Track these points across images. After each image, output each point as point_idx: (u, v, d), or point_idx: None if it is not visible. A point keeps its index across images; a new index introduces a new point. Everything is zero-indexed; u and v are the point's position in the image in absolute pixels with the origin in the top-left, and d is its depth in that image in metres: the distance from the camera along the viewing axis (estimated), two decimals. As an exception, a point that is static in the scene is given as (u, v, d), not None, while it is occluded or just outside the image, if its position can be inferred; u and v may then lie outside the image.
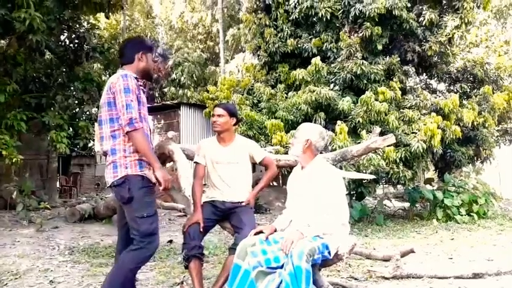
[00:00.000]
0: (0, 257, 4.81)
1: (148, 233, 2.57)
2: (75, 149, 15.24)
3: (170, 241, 6.04)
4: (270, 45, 9.91)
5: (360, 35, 8.74)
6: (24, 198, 8.47)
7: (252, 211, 3.28)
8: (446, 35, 9.29)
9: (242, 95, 10.09)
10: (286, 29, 9.81)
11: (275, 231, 2.88)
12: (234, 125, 3.38)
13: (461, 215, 8.54)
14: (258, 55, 10.71)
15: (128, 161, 2.60)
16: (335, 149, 6.35)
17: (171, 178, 2.59)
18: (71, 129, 8.51)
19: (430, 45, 9.11)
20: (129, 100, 2.55)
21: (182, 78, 23.11)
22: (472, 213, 8.69)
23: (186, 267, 3.10)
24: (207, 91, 11.52)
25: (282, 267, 2.59)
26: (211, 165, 3.34)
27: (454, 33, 9.29)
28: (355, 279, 4.01)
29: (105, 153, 2.70)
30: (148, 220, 2.57)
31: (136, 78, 2.73)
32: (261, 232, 2.85)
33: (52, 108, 7.82)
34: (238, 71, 20.30)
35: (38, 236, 6.16)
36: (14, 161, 6.70)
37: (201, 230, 3.11)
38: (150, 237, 2.58)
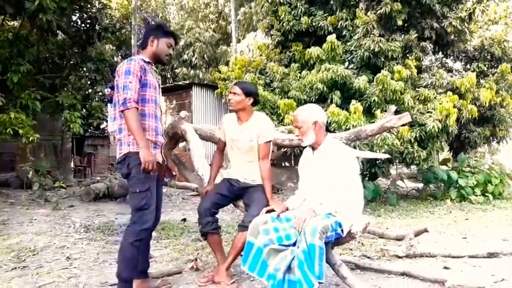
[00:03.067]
0: (18, 234, 4.93)
1: (139, 207, 2.69)
2: (89, 130, 15.40)
3: (184, 219, 6.11)
4: (283, 24, 9.74)
5: (379, 11, 8.52)
6: (40, 177, 8.63)
7: (263, 190, 3.19)
8: (466, 10, 9.00)
9: (254, 74, 9.99)
10: (300, 7, 9.62)
11: (287, 209, 2.87)
12: (253, 105, 3.24)
13: (476, 195, 8.45)
14: (271, 34, 10.54)
15: (131, 139, 2.70)
16: (349, 129, 6.27)
17: (154, 160, 2.63)
18: (84, 109, 8.56)
19: (450, 21, 8.84)
20: (127, 82, 2.64)
21: (193, 59, 23.01)
22: (487, 194, 8.59)
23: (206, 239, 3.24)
24: (219, 71, 11.43)
25: (293, 244, 2.59)
26: (229, 142, 3.33)
27: (475, 8, 8.99)
28: (368, 257, 4.00)
29: (113, 133, 2.84)
30: (140, 195, 2.68)
31: (149, 62, 2.85)
32: (272, 210, 2.85)
33: (65, 89, 7.87)
34: (250, 51, 20.11)
35: (54, 215, 6.28)
36: (30, 140, 6.78)
37: (211, 203, 3.15)
38: (140, 212, 2.69)
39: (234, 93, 3.20)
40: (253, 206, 3.03)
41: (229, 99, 3.25)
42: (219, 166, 3.47)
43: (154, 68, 2.95)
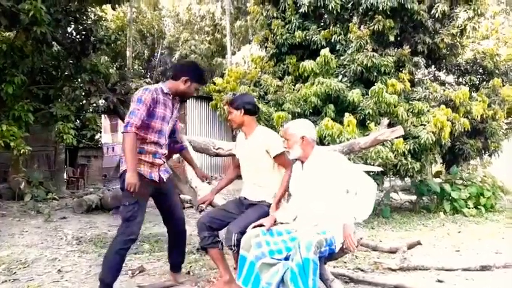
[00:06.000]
0: (9, 246, 4.87)
1: (125, 218, 2.95)
2: (82, 141, 15.34)
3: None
4: (277, 37, 9.82)
5: (371, 27, 8.63)
6: (32, 189, 8.56)
7: (263, 210, 3.05)
8: (458, 27, 9.15)
9: (249, 86, 10.04)
10: (294, 21, 9.71)
11: (275, 221, 2.87)
12: (247, 115, 3.16)
13: (469, 208, 8.49)
14: (266, 47, 10.62)
15: None
16: (343, 142, 6.30)
17: (134, 183, 2.80)
18: (77, 121, 8.54)
19: (442, 38, 8.99)
20: (136, 109, 2.89)
21: (189, 71, 23.05)
22: (479, 206, 8.63)
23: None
24: (214, 83, 11.47)
25: (285, 259, 2.59)
26: (240, 159, 3.32)
27: (466, 24, 9.14)
28: (362, 270, 4.00)
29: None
30: (127, 208, 2.93)
31: (167, 93, 3.09)
32: (261, 225, 2.82)
33: (59, 100, 7.85)
34: (245, 63, 20.22)
35: (46, 226, 6.22)
36: (22, 152, 6.74)
37: (209, 218, 3.13)
38: (126, 223, 2.94)
39: (230, 113, 3.21)
40: (239, 219, 2.99)
41: (228, 120, 3.28)
42: (229, 180, 3.45)
43: (168, 98, 3.11)
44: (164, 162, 3.18)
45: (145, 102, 2.91)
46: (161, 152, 3.10)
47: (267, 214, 2.97)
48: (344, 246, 2.70)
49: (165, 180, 3.15)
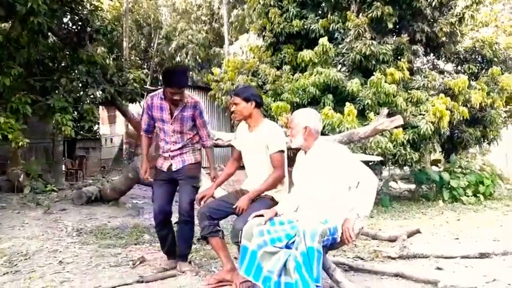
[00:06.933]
0: (10, 238, 4.87)
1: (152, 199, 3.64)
2: (81, 132, 15.31)
3: (176, 222, 6.07)
4: (275, 26, 9.76)
5: (370, 15, 8.57)
6: (31, 181, 8.53)
7: (266, 203, 3.02)
8: (456, 15, 9.10)
9: (247, 76, 10.00)
10: (292, 10, 9.64)
11: (276, 215, 2.87)
12: (257, 107, 3.16)
13: (468, 196, 8.53)
14: (263, 36, 10.57)
15: None
16: (343, 131, 6.30)
17: (143, 172, 3.68)
18: (75, 112, 8.49)
19: (441, 27, 8.94)
20: (141, 116, 3.70)
21: (186, 61, 22.96)
22: (478, 195, 8.68)
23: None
24: (212, 73, 11.43)
25: (286, 247, 2.60)
26: (242, 152, 3.30)
27: (465, 12, 9.10)
28: (362, 259, 4.02)
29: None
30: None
31: (163, 98, 3.48)
32: (261, 216, 2.81)
33: (57, 92, 7.79)
34: (243, 52, 20.13)
35: (46, 218, 6.22)
36: (20, 144, 6.70)
37: (208, 208, 3.14)
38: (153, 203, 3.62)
39: (235, 104, 3.16)
40: (239, 218, 2.98)
41: (233, 112, 3.23)
42: (228, 174, 3.42)
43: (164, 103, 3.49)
44: (174, 155, 3.54)
45: (145, 110, 3.60)
46: (167, 147, 3.57)
47: (270, 208, 2.94)
48: (341, 237, 2.72)
49: (172, 169, 3.53)
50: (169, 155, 3.55)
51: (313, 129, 2.91)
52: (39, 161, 10.76)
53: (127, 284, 3.21)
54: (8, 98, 6.96)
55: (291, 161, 3.15)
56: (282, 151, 3.09)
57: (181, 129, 3.52)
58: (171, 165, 3.55)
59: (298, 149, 3.11)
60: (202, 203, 3.30)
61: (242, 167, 3.40)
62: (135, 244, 4.71)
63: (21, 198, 7.98)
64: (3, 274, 3.50)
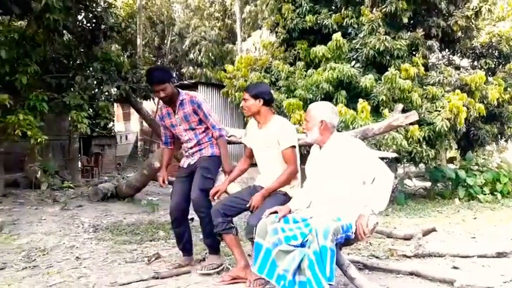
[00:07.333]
0: (28, 234, 4.97)
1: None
2: (96, 130, 15.48)
3: (192, 219, 6.11)
4: (288, 22, 9.70)
5: (384, 10, 8.46)
6: (48, 177, 8.66)
7: (279, 199, 3.03)
8: (472, 9, 8.93)
9: (260, 73, 9.97)
10: (305, 5, 9.57)
11: (290, 211, 2.85)
12: (265, 105, 3.16)
13: (484, 194, 8.40)
14: (276, 32, 10.51)
15: None
16: (356, 128, 6.25)
17: (160, 174, 3.81)
18: (91, 109, 8.58)
19: (456, 20, 8.78)
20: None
21: (200, 58, 23.01)
22: (495, 192, 8.53)
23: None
24: (225, 70, 11.42)
25: (300, 245, 2.58)
26: (253, 148, 3.32)
27: (482, 6, 8.92)
28: (376, 257, 3.99)
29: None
30: None
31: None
32: (275, 212, 2.79)
33: (72, 89, 7.88)
34: (256, 49, 20.08)
35: (63, 215, 6.32)
36: (38, 141, 6.81)
37: (222, 205, 3.15)
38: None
39: (245, 100, 3.19)
40: (253, 214, 3.00)
41: (242, 106, 3.26)
42: (241, 170, 3.43)
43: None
44: (194, 152, 3.63)
45: (158, 122, 3.86)
46: (185, 146, 3.72)
47: (284, 203, 2.94)
48: (356, 233, 2.70)
49: (185, 166, 3.66)
50: (189, 153, 3.67)
51: (329, 123, 2.87)
52: (55, 158, 10.91)
53: (143, 280, 3.25)
54: (25, 95, 7.07)
55: (304, 159, 3.14)
56: (294, 146, 3.11)
57: (190, 125, 3.58)
58: (190, 161, 3.65)
59: (311, 147, 3.10)
60: (216, 198, 3.32)
61: (255, 164, 3.41)
62: (150, 240, 4.76)
63: (39, 194, 8.11)
64: (22, 269, 3.57)
